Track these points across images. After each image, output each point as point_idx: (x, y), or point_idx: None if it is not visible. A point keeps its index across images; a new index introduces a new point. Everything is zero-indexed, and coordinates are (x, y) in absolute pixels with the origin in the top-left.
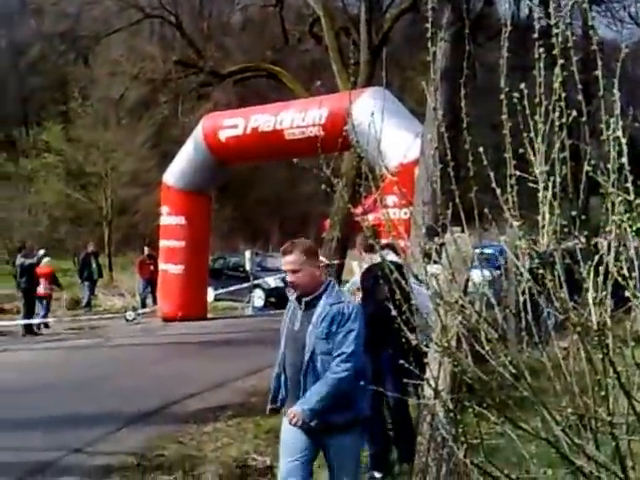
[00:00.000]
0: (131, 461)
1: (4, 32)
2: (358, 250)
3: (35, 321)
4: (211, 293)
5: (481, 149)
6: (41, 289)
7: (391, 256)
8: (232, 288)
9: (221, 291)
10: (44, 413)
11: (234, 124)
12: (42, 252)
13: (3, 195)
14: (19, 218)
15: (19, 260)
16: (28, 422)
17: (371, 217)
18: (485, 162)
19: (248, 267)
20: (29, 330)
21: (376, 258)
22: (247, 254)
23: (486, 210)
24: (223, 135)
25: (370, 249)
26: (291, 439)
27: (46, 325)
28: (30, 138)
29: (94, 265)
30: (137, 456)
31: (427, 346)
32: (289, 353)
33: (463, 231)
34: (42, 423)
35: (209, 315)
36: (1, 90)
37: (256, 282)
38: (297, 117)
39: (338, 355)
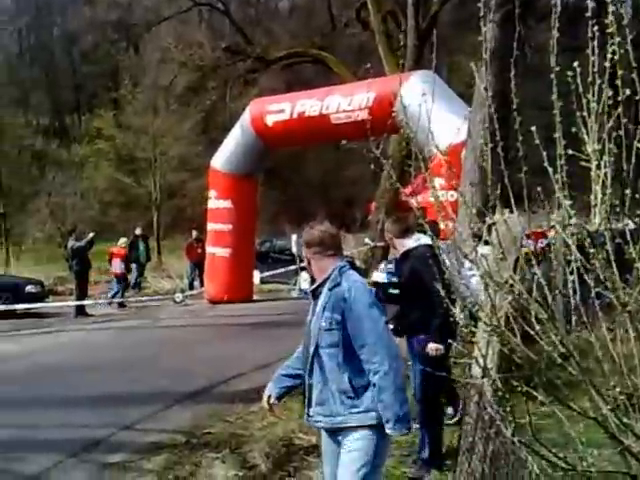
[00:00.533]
0: (180, 439)
1: (58, 21)
2: (387, 236)
3: (87, 302)
4: (257, 276)
5: (534, 128)
6: (117, 269)
7: (425, 239)
8: (278, 271)
9: (267, 274)
10: (96, 392)
11: (281, 109)
12: (91, 234)
13: (56, 181)
14: (71, 203)
15: (70, 243)
16: (80, 400)
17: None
18: (537, 141)
19: (294, 250)
20: (81, 311)
21: (408, 243)
22: (293, 237)
23: (539, 189)
24: (270, 120)
25: (402, 234)
26: (329, 446)
27: (123, 304)
28: (82, 125)
29: (141, 248)
30: (185, 434)
31: (475, 326)
32: (303, 350)
33: (512, 212)
34: (94, 401)
35: (255, 297)
36: (55, 78)
37: (302, 265)
38: (343, 101)
39: (361, 347)
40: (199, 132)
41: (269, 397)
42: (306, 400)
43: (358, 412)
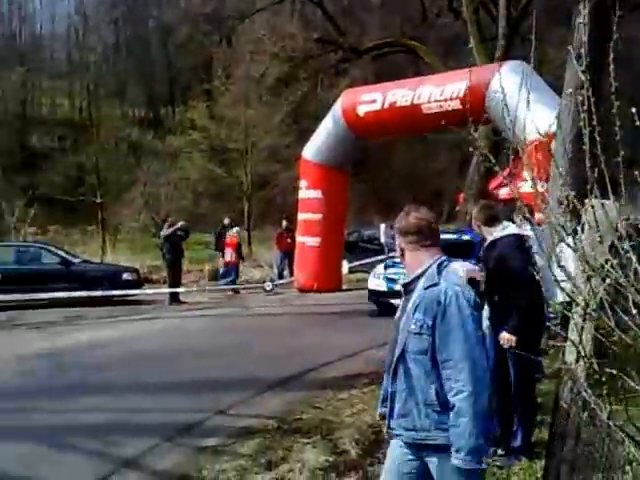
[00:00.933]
0: (272, 424)
1: (154, 13)
2: (475, 224)
3: (181, 290)
4: (346, 265)
5: (634, 110)
6: (228, 257)
7: (511, 228)
8: (366, 260)
9: (355, 263)
10: (190, 377)
11: (372, 99)
12: (180, 223)
13: (151, 171)
14: (165, 193)
15: (163, 232)
16: (175, 385)
17: (504, 191)
18: (638, 123)
19: (382, 240)
20: (174, 299)
21: (496, 232)
22: (382, 227)
23: (637, 173)
24: (361, 110)
25: (489, 222)
26: (405, 460)
27: (236, 291)
28: (176, 116)
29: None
30: (277, 419)
31: (569, 310)
32: (388, 352)
33: (608, 197)
34: (188, 386)
35: (344, 287)
36: (151, 71)
37: (390, 254)
38: (435, 91)
39: (446, 361)
40: (290, 123)
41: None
42: (387, 410)
43: (446, 429)
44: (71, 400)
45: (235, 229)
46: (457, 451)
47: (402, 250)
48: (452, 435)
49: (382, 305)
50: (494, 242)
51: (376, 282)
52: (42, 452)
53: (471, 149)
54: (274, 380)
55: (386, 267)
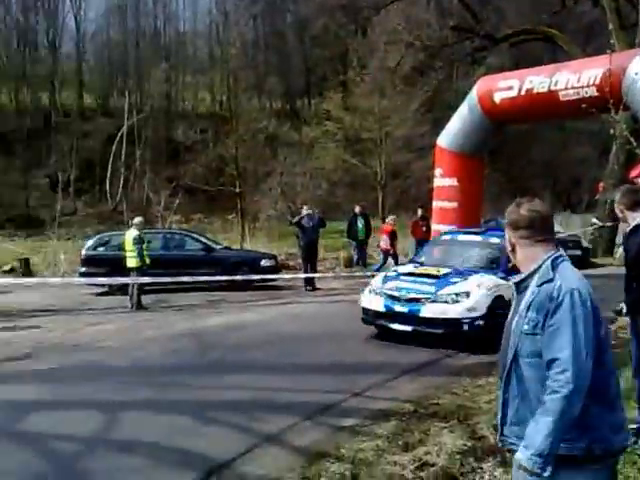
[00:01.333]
0: (407, 407)
1: (290, 7)
2: (618, 208)
3: (317, 275)
4: None
5: None
6: (383, 244)
7: None
8: None
9: None
10: (326, 359)
11: (509, 86)
12: (307, 212)
13: (287, 161)
14: (301, 182)
15: (296, 219)
16: (312, 367)
17: None
18: None
19: None
20: (311, 284)
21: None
22: None
23: None
24: (498, 97)
25: (633, 206)
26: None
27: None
28: (312, 107)
29: (360, 225)
30: (413, 403)
31: None
32: (501, 353)
33: None
34: (324, 368)
35: None
36: (287, 64)
37: None
38: (572, 78)
39: (550, 362)
40: (424, 112)
41: None
42: (499, 417)
43: (564, 439)
44: (212, 377)
45: (391, 217)
46: (526, 447)
47: (513, 245)
48: (528, 430)
49: (380, 329)
50: (637, 227)
51: (371, 299)
52: (188, 425)
53: (612, 131)
54: (408, 365)
55: (385, 280)
